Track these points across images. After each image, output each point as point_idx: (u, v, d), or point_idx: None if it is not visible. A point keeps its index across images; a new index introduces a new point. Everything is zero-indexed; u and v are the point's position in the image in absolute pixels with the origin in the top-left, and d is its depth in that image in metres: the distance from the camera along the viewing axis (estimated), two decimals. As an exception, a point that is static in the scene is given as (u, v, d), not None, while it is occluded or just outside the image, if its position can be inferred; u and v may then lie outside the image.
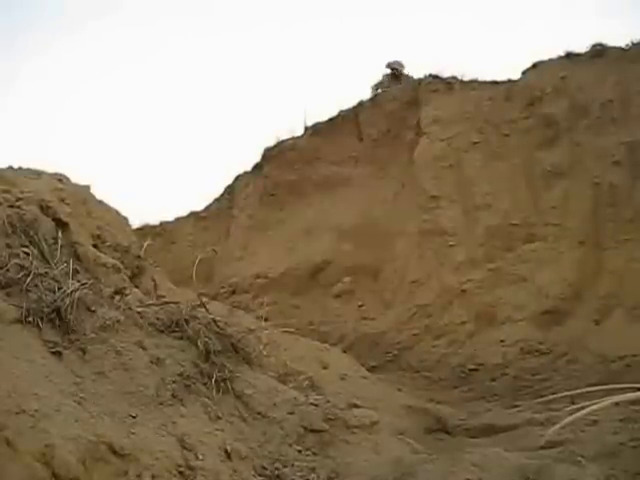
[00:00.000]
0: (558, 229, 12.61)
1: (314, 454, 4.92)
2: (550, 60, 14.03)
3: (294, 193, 16.67)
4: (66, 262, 5.11)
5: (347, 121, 16.62)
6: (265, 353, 6.01)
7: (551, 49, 18.04)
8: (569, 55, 13.75)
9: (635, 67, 12.67)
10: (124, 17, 38.34)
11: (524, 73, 14.37)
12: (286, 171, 16.87)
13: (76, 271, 5.20)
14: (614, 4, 32.17)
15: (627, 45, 13.20)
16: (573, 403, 6.34)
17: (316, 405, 5.35)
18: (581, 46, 13.77)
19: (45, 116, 37.37)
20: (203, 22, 36.98)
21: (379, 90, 17.33)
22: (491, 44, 28.56)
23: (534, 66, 14.22)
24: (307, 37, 35.18)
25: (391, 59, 17.55)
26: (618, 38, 16.39)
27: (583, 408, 5.04)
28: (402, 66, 17.29)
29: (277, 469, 4.63)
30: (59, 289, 4.67)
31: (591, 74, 13.16)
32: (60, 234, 5.54)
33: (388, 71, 17.42)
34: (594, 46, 13.49)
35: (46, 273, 4.83)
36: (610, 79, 12.83)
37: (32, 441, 3.54)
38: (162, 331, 5.24)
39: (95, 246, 6.23)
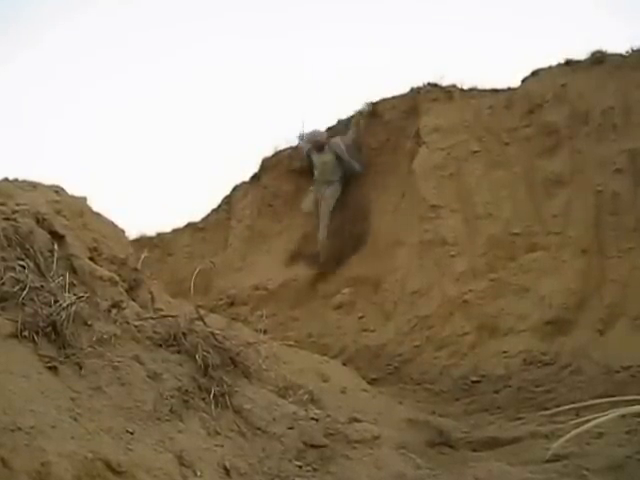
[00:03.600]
0: (560, 238, 12.54)
1: (314, 470, 4.87)
2: (550, 67, 13.98)
3: (292, 203, 16.63)
4: (62, 275, 5.09)
5: (346, 131, 16.57)
6: (264, 367, 5.98)
7: (551, 56, 17.99)
8: (569, 62, 13.71)
9: (636, 74, 12.63)
10: (116, 23, 38.23)
11: (524, 81, 14.33)
12: (284, 181, 16.85)
13: (72, 284, 5.17)
14: (613, 11, 32.20)
15: (627, 52, 13.16)
16: (578, 415, 6.27)
17: (316, 420, 5.30)
18: (581, 53, 13.76)
19: (38, 124, 37.27)
20: (198, 30, 36.94)
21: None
22: (490, 52, 28.52)
23: (534, 74, 14.17)
24: (304, 47, 35.14)
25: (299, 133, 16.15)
26: (618, 45, 16.35)
27: (588, 421, 4.97)
28: (320, 135, 15.50)
29: (277, 485, 4.59)
30: (55, 303, 4.64)
31: (591, 81, 13.12)
32: (56, 247, 5.51)
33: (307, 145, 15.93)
34: (594, 53, 13.44)
35: (42, 287, 4.79)
36: (610, 86, 12.80)
37: (28, 459, 3.50)
38: (160, 345, 5.20)
39: (92, 259, 6.19)
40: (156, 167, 32.81)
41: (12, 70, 37.58)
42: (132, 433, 4.22)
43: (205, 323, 5.60)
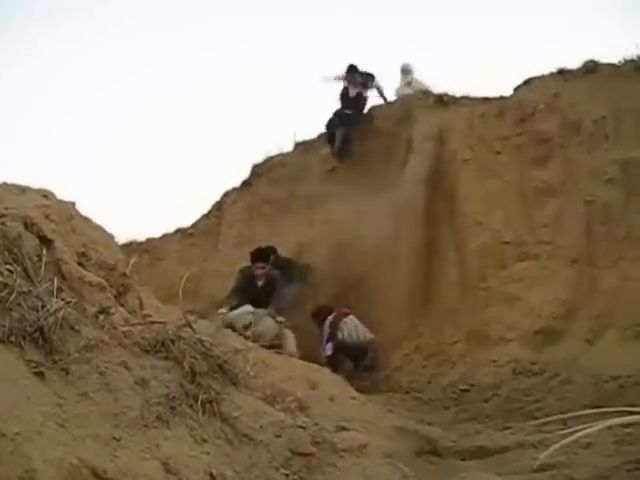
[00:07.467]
0: (551, 247, 12.54)
1: (301, 478, 4.82)
2: (542, 76, 14.00)
3: (283, 210, 16.59)
4: (50, 280, 5.01)
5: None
6: (252, 374, 5.92)
7: (543, 65, 18.02)
8: (561, 71, 13.73)
9: (628, 84, 12.64)
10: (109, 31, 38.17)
11: (516, 89, 14.35)
12: (275, 187, 16.82)
13: (60, 289, 5.09)
14: (606, 21, 32.32)
15: (620, 62, 13.18)
16: (566, 425, 6.25)
17: (304, 428, 5.25)
18: (573, 62, 13.78)
19: (31, 128, 37.21)
20: (192, 36, 36.94)
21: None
22: (483, 60, 28.60)
23: (526, 82, 14.19)
24: (296, 53, 35.19)
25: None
26: (610, 54, 16.38)
27: (576, 431, 4.95)
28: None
29: (263, 493, 4.55)
30: (43, 308, 4.56)
31: (584, 90, 13.12)
32: (44, 251, 5.44)
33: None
34: (586, 62, 13.45)
35: (30, 291, 4.71)
36: (603, 95, 12.80)
37: (13, 466, 3.44)
38: (147, 351, 5.13)
39: (80, 264, 6.12)
40: (147, 172, 32.88)
41: (7, 75, 37.59)
42: (118, 440, 4.17)
43: (193, 329, 5.55)
